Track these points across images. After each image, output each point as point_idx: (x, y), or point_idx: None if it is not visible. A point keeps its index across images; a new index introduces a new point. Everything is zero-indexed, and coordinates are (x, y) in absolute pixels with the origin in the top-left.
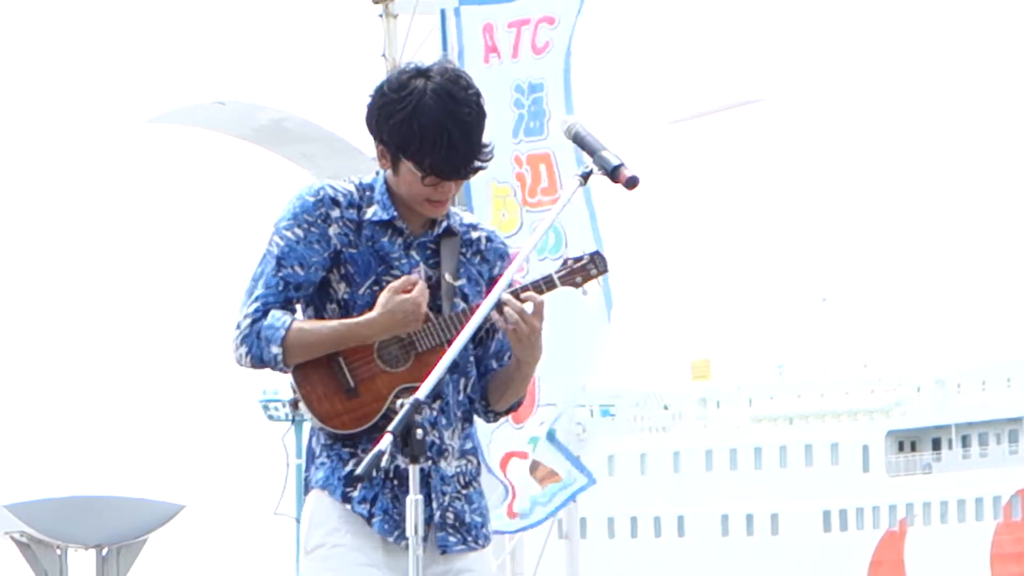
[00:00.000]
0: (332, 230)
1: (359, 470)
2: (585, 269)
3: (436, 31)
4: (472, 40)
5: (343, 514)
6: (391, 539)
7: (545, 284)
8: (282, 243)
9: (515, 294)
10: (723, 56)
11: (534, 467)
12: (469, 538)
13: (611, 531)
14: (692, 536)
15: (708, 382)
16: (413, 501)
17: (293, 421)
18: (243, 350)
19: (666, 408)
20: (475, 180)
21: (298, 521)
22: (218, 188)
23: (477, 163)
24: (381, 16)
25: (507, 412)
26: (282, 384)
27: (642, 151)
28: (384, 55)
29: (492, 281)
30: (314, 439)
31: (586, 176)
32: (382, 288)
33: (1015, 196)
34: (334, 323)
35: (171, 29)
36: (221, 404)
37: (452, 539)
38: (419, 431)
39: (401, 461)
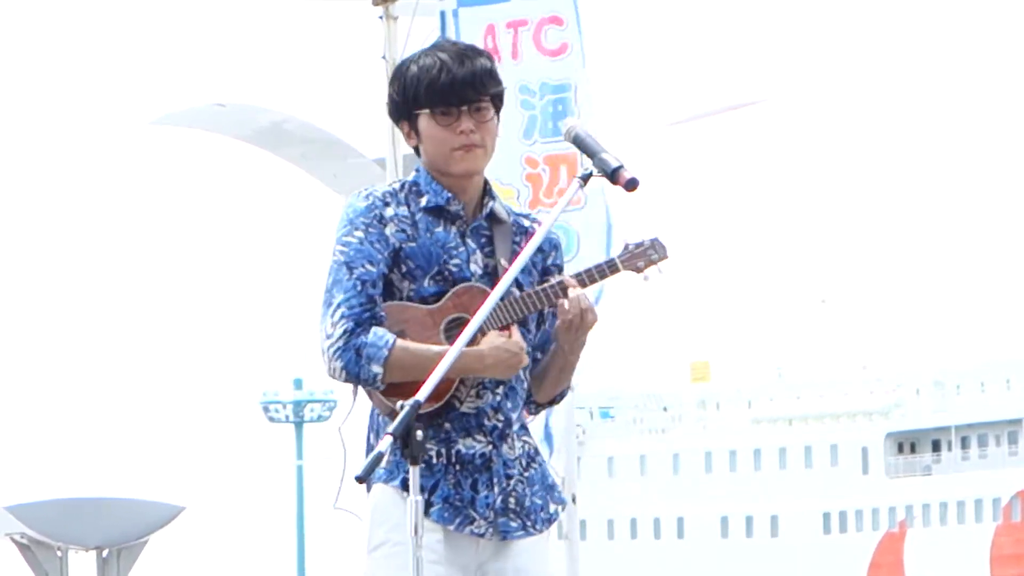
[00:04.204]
0: (389, 229)
1: (359, 472)
2: (646, 254)
3: (436, 33)
4: (472, 41)
5: (405, 507)
6: (451, 527)
7: (608, 268)
8: (347, 249)
9: (569, 281)
10: (723, 58)
11: None
12: (528, 523)
13: (611, 532)
14: (691, 538)
15: (707, 384)
16: (413, 502)
17: (295, 423)
18: (338, 364)
19: (665, 410)
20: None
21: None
22: (219, 190)
23: (480, 89)
24: (381, 18)
25: (550, 404)
26: (283, 386)
27: (642, 153)
28: (384, 57)
29: (545, 271)
30: (372, 434)
31: (586, 178)
32: (444, 279)
33: (1015, 196)
34: (439, 348)
35: (171, 31)
36: (222, 406)
37: (513, 524)
38: (419, 433)
39: (463, 446)
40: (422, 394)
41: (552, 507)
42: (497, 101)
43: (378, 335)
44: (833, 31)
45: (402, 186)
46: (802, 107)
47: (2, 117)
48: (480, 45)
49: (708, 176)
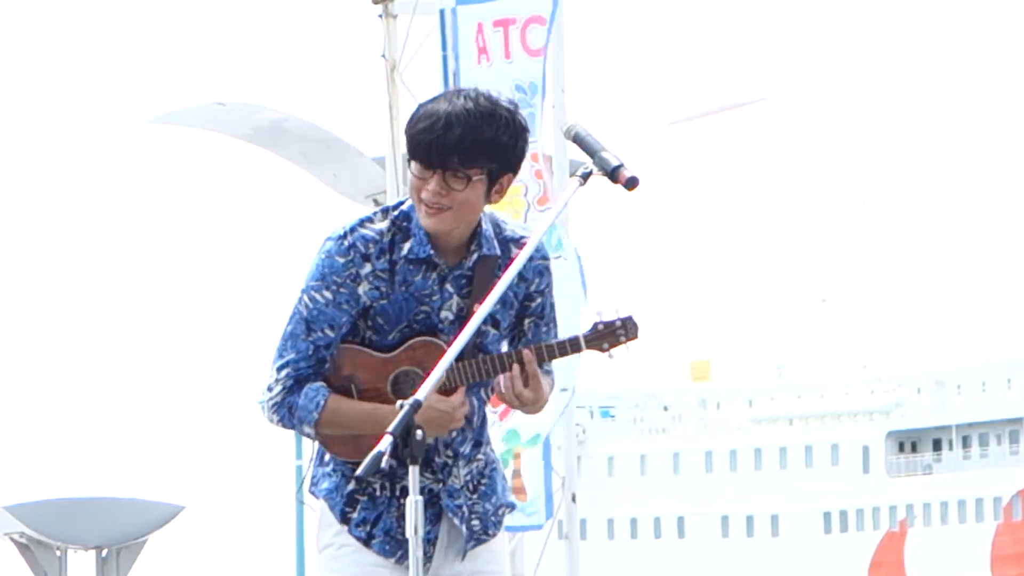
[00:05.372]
0: (362, 288)
1: (359, 471)
2: (615, 334)
3: (435, 32)
4: (467, 41)
5: (339, 526)
6: (393, 559)
7: (571, 347)
8: (311, 305)
9: (535, 352)
10: (723, 58)
11: (514, 475)
12: (483, 533)
13: (611, 532)
14: (692, 537)
15: (708, 383)
16: (413, 502)
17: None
18: (275, 418)
19: (666, 409)
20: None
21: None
22: (218, 189)
23: (463, 159)
24: (381, 16)
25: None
26: None
27: (642, 152)
28: (384, 56)
29: (527, 296)
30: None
31: (586, 177)
32: (411, 330)
33: (1015, 196)
34: (370, 408)
35: (171, 30)
36: (221, 405)
37: (468, 535)
38: (419, 432)
39: (408, 481)
40: (421, 394)
41: (502, 511)
42: (495, 172)
43: (309, 397)
44: (833, 31)
45: (393, 223)
46: (802, 107)
47: (2, 117)
48: (472, 44)
49: (708, 176)
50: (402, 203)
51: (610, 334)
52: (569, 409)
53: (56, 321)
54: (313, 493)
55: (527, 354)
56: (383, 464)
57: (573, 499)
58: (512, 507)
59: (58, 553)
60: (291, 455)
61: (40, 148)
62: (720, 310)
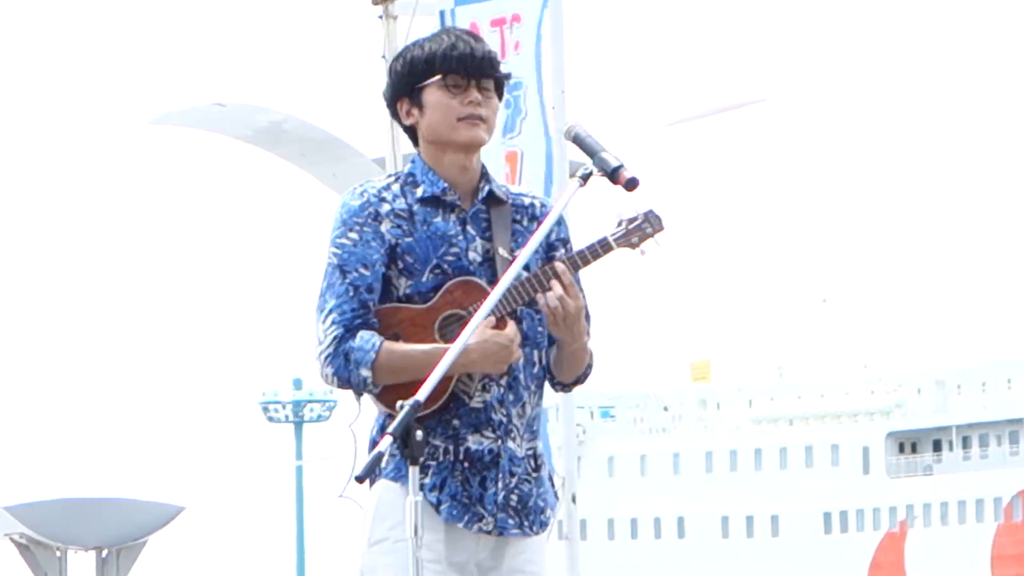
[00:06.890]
0: (384, 226)
1: (359, 472)
2: (640, 229)
3: None
4: None
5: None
6: (460, 524)
7: (602, 248)
8: (340, 252)
9: (568, 262)
10: (723, 58)
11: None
12: (526, 523)
13: (611, 532)
14: (692, 538)
15: (708, 383)
16: (412, 503)
17: (295, 423)
18: (329, 371)
19: (666, 409)
20: None
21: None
22: (218, 190)
23: (490, 65)
24: (381, 17)
25: (575, 384)
26: (282, 386)
27: (642, 152)
28: (384, 57)
29: (550, 246)
30: (376, 430)
31: (586, 178)
32: (442, 271)
33: (1015, 196)
34: (428, 347)
35: (171, 31)
36: (221, 406)
37: (511, 521)
38: (418, 432)
39: (472, 442)
40: (422, 394)
41: (548, 512)
42: (500, 87)
43: (364, 339)
44: (833, 31)
45: (397, 178)
46: (802, 107)
47: (2, 117)
48: None
49: (708, 176)
50: (400, 172)
51: (636, 230)
52: (568, 408)
53: (56, 321)
54: (374, 477)
55: (559, 266)
56: (380, 457)
57: (573, 500)
58: (554, 507)
59: (58, 554)
60: (291, 455)
61: (40, 148)
62: (720, 310)
